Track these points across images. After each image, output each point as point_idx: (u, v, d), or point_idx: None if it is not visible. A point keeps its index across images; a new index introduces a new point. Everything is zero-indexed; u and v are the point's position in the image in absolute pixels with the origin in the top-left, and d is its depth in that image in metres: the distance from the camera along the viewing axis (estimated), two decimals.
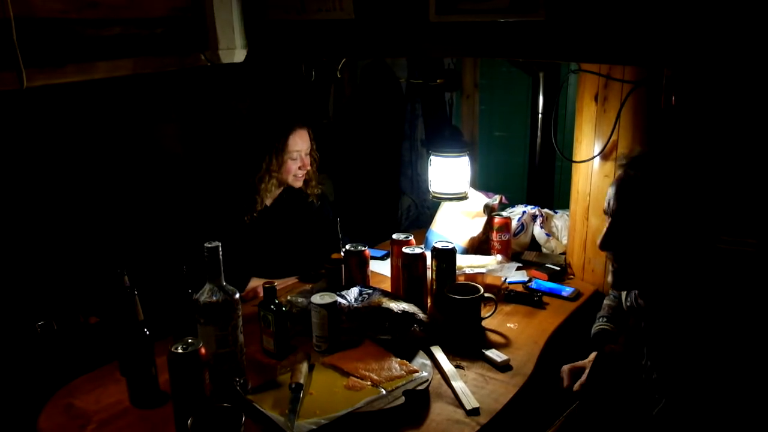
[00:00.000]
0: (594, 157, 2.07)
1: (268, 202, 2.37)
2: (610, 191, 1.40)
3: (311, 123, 2.39)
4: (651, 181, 1.33)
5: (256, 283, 2.21)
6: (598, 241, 1.41)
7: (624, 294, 1.66)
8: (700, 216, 1.32)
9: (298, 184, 2.36)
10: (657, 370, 1.41)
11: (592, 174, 2.12)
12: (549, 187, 2.89)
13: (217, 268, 1.49)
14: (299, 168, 2.32)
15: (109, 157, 2.34)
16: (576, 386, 1.63)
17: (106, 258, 2.24)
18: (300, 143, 2.30)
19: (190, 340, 1.40)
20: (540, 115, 2.75)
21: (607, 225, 1.40)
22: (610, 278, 1.46)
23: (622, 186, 1.37)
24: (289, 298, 1.90)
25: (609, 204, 1.40)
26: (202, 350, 1.39)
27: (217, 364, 1.50)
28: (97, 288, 2.10)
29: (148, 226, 2.43)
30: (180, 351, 1.37)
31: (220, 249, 1.48)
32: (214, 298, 1.49)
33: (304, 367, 1.59)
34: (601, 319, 1.76)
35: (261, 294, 1.99)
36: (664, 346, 1.40)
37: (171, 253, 2.16)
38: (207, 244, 1.47)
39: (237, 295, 1.52)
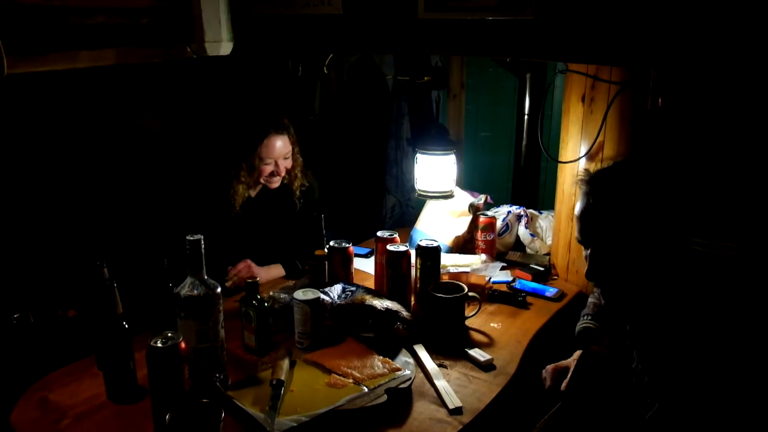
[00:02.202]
0: (580, 157, 2.07)
1: (253, 193, 2.34)
2: (575, 221, 1.40)
3: (294, 122, 2.35)
4: (608, 205, 1.33)
5: (245, 264, 2.20)
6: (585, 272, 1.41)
7: None
8: (670, 223, 1.31)
9: (274, 185, 2.33)
10: (648, 373, 1.41)
11: (578, 175, 2.11)
12: (534, 187, 2.89)
13: (199, 262, 1.46)
14: (271, 174, 2.27)
15: (90, 148, 2.30)
16: (563, 386, 1.62)
17: (85, 250, 2.20)
18: (275, 150, 2.24)
19: (169, 334, 1.37)
20: (526, 116, 2.76)
21: (587, 255, 1.39)
22: (595, 291, 1.45)
23: (583, 217, 1.37)
24: (271, 293, 1.87)
25: (579, 235, 1.40)
26: (182, 345, 1.36)
27: (196, 359, 1.47)
28: (75, 280, 2.06)
29: (128, 218, 2.40)
30: (159, 345, 1.34)
31: (203, 242, 1.46)
32: (195, 292, 1.46)
33: (286, 363, 1.57)
34: (585, 317, 1.75)
35: (243, 273, 2.06)
36: (654, 350, 1.40)
37: (152, 246, 2.13)
38: (189, 237, 1.45)
39: (218, 289, 1.49)
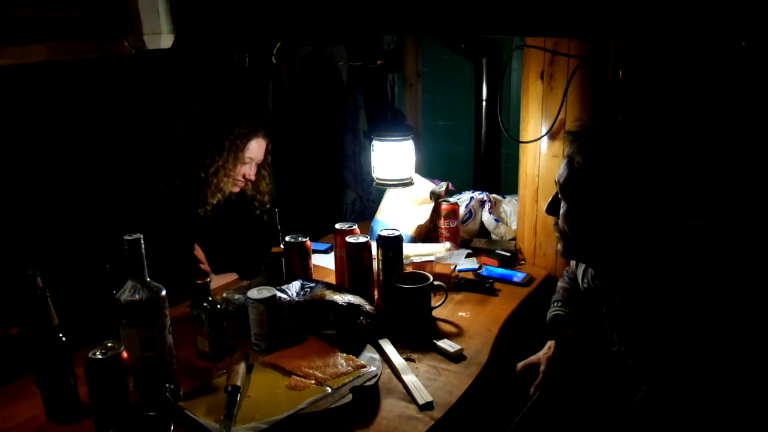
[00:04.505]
0: (542, 136, 2.01)
1: (221, 197, 2.26)
2: (562, 168, 1.36)
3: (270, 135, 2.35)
4: (596, 167, 1.30)
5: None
6: (545, 205, 1.42)
7: (580, 275, 1.59)
8: (647, 197, 1.29)
9: (236, 189, 2.30)
10: (632, 356, 1.35)
11: (540, 155, 2.05)
12: (495, 176, 2.83)
13: (140, 263, 1.35)
14: (243, 176, 2.27)
15: (19, 147, 2.15)
16: (531, 390, 1.56)
17: (16, 257, 2.05)
18: (258, 152, 2.27)
19: (110, 344, 1.26)
20: (484, 102, 2.70)
21: (560, 217, 1.38)
22: (559, 246, 1.42)
23: (569, 167, 1.34)
24: (224, 294, 1.76)
25: (560, 179, 1.37)
26: (124, 354, 1.25)
27: (142, 370, 1.35)
28: (8, 293, 1.91)
29: (65, 220, 2.25)
30: (98, 356, 1.23)
31: (142, 241, 1.34)
32: (137, 297, 1.34)
33: (242, 368, 1.46)
34: (555, 304, 1.69)
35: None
36: (635, 332, 1.34)
37: (91, 251, 1.99)
38: (127, 237, 1.33)
39: (163, 292, 1.38)
